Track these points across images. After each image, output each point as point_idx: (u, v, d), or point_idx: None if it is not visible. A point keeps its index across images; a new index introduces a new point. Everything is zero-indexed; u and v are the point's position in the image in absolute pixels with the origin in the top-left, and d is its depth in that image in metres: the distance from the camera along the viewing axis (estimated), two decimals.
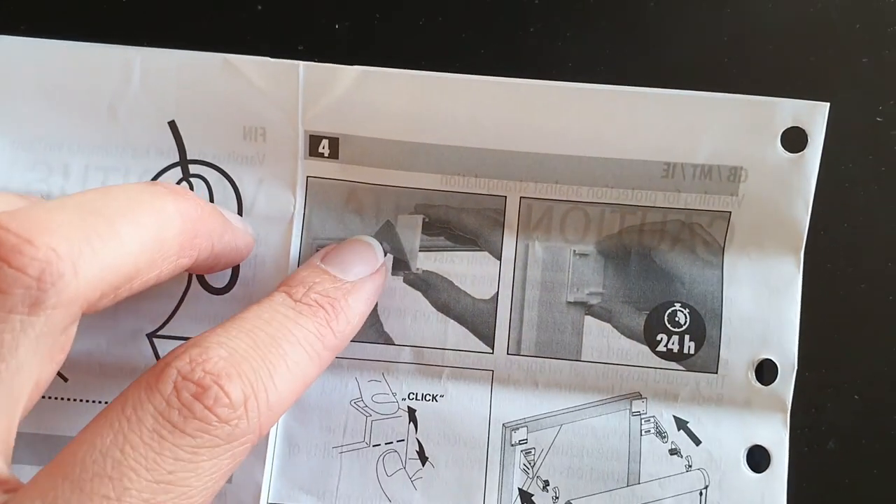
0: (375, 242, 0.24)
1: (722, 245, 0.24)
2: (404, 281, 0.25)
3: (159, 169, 0.24)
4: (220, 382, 0.17)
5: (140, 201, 0.18)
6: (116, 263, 0.17)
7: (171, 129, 0.25)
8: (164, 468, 0.16)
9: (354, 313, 0.22)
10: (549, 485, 0.24)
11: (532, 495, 0.24)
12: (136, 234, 0.18)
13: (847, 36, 0.25)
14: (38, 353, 0.16)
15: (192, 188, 0.24)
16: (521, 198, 0.24)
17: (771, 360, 0.24)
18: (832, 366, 0.25)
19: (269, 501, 0.24)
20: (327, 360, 0.21)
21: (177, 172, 0.25)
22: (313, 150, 0.25)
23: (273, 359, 0.19)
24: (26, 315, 0.16)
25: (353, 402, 0.24)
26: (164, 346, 0.24)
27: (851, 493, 0.25)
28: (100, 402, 0.24)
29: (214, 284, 0.24)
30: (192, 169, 0.25)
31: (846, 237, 0.25)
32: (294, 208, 0.25)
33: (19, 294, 0.16)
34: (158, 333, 0.24)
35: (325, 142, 0.25)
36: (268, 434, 0.24)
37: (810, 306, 0.24)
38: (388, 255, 0.24)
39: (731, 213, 0.24)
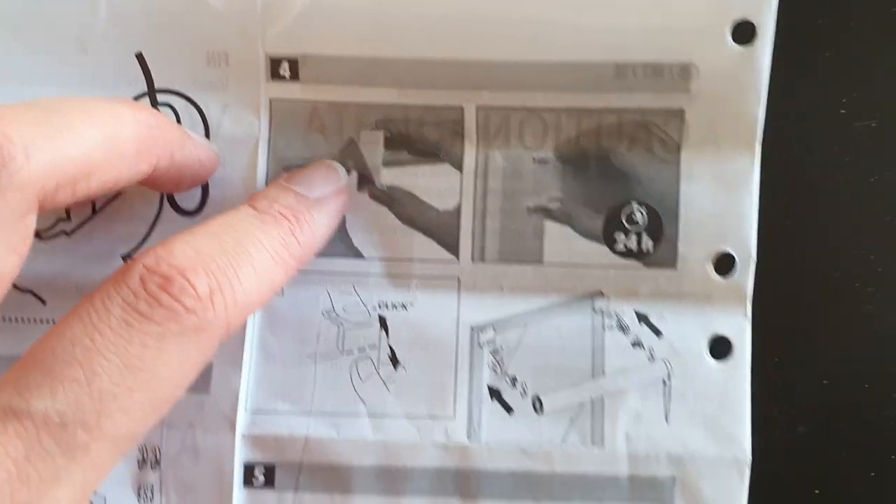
0: (337, 165, 0.25)
1: (678, 143, 0.25)
2: (370, 196, 0.25)
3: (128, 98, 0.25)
4: (185, 275, 0.18)
5: (96, 104, 0.19)
6: (70, 153, 0.18)
7: (138, 61, 0.25)
8: (132, 354, 0.17)
9: (318, 226, 0.23)
10: (517, 381, 0.25)
11: (501, 392, 0.25)
12: (91, 128, 0.19)
13: (812, 29, 0.25)
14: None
15: None
16: (477, 107, 0.25)
17: (729, 252, 0.25)
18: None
19: (248, 409, 0.25)
20: (293, 269, 0.22)
21: (145, 102, 0.25)
22: (274, 73, 0.25)
23: (239, 259, 0.20)
24: None
25: (325, 313, 0.25)
26: None
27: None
28: None
29: (185, 207, 0.25)
30: (160, 98, 0.25)
31: (812, 225, 0.25)
32: (259, 131, 0.25)
33: None
34: (133, 255, 0.25)
35: (285, 64, 0.25)
36: (244, 345, 0.25)
37: (763, 297, 0.25)
38: (351, 173, 0.25)
39: (684, 110, 0.24)
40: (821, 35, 0.25)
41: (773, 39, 0.24)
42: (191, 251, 0.19)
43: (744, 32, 0.24)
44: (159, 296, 0.18)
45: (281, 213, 0.22)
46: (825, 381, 0.26)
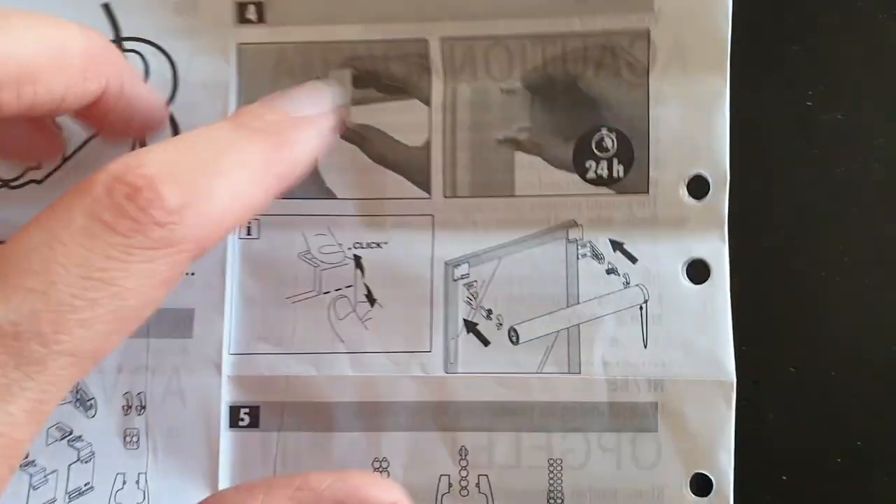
0: (330, 85, 0.23)
1: (646, 65, 0.24)
2: (340, 136, 0.25)
3: None
4: (155, 186, 0.17)
5: (42, 16, 0.19)
6: (10, 51, 0.18)
7: (104, 10, 0.26)
8: (94, 265, 0.16)
9: (303, 146, 0.21)
10: (492, 313, 0.25)
11: (476, 324, 0.25)
12: (35, 31, 0.18)
13: (778, 24, 0.26)
14: None
15: None
16: (441, 38, 0.25)
17: (702, 174, 0.24)
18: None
19: (231, 352, 0.25)
20: (274, 189, 0.20)
21: None
22: (241, 17, 0.25)
23: (214, 173, 0.18)
24: None
25: (301, 255, 0.25)
26: None
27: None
28: None
29: None
30: (127, 45, 0.26)
31: (778, 220, 0.26)
32: (228, 76, 0.25)
33: None
34: None
35: (251, 7, 0.25)
36: (224, 289, 0.25)
37: (742, 294, 0.25)
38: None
39: (650, 30, 0.24)
40: (787, 30, 0.26)
41: None
42: (163, 160, 0.17)
43: None
44: (125, 206, 0.16)
45: (262, 129, 0.20)
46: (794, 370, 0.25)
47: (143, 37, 0.26)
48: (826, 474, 0.25)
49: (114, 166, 0.17)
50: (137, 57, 0.26)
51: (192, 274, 0.25)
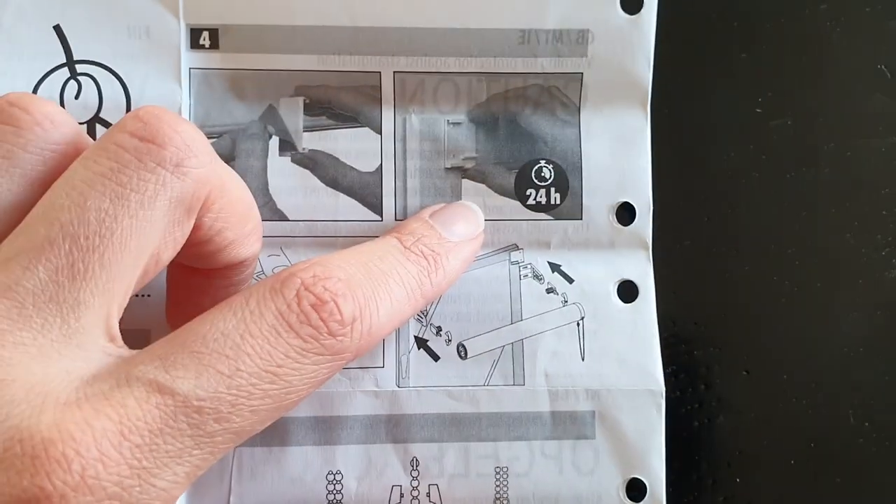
0: (478, 209, 0.26)
1: (578, 105, 0.27)
2: (292, 161, 0.26)
3: (46, 70, 0.25)
4: (336, 300, 0.19)
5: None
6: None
7: (56, 32, 0.26)
8: (274, 361, 0.18)
9: (451, 270, 0.24)
10: (441, 330, 0.26)
11: (427, 341, 0.26)
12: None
13: (728, 32, 0.27)
14: (168, 217, 0.18)
15: (80, 87, 0.26)
16: (394, 72, 0.26)
17: (629, 202, 0.27)
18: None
19: None
20: (420, 307, 0.23)
21: (64, 73, 0.26)
22: (194, 43, 0.26)
23: (381, 291, 0.20)
24: (170, 173, 0.18)
25: (256, 277, 0.26)
26: None
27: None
28: None
29: None
30: (80, 69, 0.26)
31: (730, 227, 0.27)
32: (181, 99, 0.26)
33: (171, 151, 0.18)
34: None
35: (205, 33, 0.26)
36: None
37: (694, 297, 0.27)
38: (272, 138, 0.26)
39: (582, 73, 0.27)
40: (736, 38, 0.27)
41: (656, 9, 0.26)
42: (344, 275, 0.19)
43: (632, 2, 0.26)
44: (311, 314, 0.18)
45: (422, 253, 0.23)
46: (746, 371, 0.28)
47: (95, 60, 0.26)
48: (780, 477, 0.26)
49: (305, 275, 0.19)
50: (90, 80, 0.26)
51: (148, 295, 0.25)
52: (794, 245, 0.27)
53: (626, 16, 0.26)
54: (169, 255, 0.19)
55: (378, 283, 0.21)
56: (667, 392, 0.26)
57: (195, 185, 0.19)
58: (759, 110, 0.27)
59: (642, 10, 0.26)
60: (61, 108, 0.19)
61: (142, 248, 0.18)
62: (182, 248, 0.20)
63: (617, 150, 0.27)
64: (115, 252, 0.17)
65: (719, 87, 0.27)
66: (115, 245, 0.17)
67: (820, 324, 0.27)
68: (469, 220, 0.25)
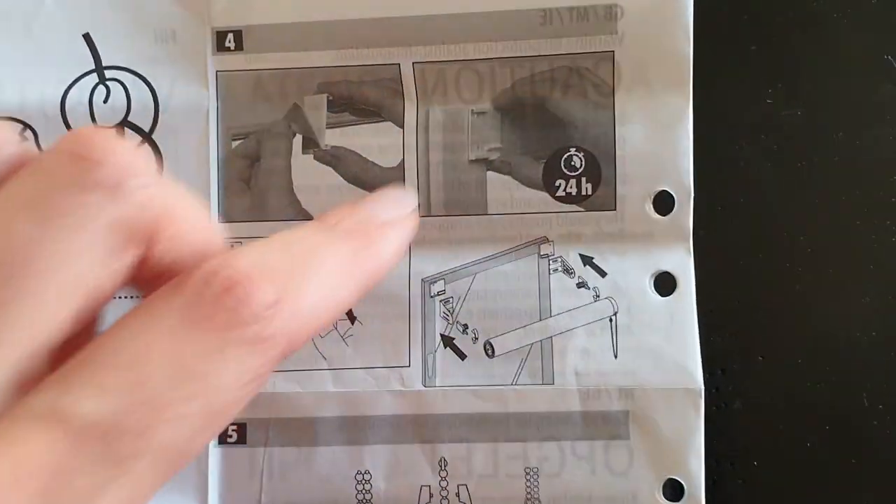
0: (412, 189, 0.26)
1: (611, 86, 0.25)
2: (314, 158, 0.26)
3: (75, 77, 0.26)
4: (249, 282, 0.16)
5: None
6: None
7: (85, 40, 0.26)
8: (184, 362, 0.15)
9: (388, 245, 0.21)
10: (468, 328, 0.26)
11: (453, 339, 0.26)
12: None
13: (738, 25, 0.27)
14: (103, 245, 0.16)
15: (108, 92, 0.26)
16: (413, 63, 0.26)
17: (667, 190, 0.25)
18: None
19: None
20: (361, 288, 0.20)
21: (93, 78, 0.26)
22: (220, 45, 0.26)
23: (306, 272, 0.18)
24: (107, 195, 0.16)
25: None
26: None
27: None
28: None
29: None
30: (109, 74, 0.26)
31: (743, 216, 0.26)
32: (208, 102, 0.26)
33: (108, 171, 0.16)
34: None
35: (230, 35, 0.26)
36: None
37: (708, 286, 0.26)
38: (296, 136, 0.26)
39: (613, 52, 0.25)
40: (746, 31, 0.27)
41: None
42: (256, 259, 0.17)
43: None
44: (219, 301, 0.16)
45: (350, 229, 0.20)
46: (761, 357, 0.26)
47: (123, 65, 0.26)
48: (796, 460, 0.26)
49: (208, 264, 0.16)
50: (118, 85, 0.26)
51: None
52: (807, 233, 0.27)
53: None
54: (108, 290, 0.17)
55: (302, 264, 0.18)
56: None
57: (137, 210, 0.16)
58: (769, 101, 0.27)
59: None
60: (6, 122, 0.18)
61: (70, 280, 0.16)
62: (129, 282, 0.17)
63: (654, 134, 0.25)
64: (35, 283, 0.15)
65: (730, 80, 0.26)
66: (36, 275, 0.15)
67: (833, 310, 0.26)
68: (399, 198, 0.22)
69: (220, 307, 0.16)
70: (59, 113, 0.26)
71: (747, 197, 0.27)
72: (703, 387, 0.25)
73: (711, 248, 0.26)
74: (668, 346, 0.25)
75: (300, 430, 0.26)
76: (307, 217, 0.26)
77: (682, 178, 0.25)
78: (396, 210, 0.22)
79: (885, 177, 0.26)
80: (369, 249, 0.20)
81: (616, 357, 0.25)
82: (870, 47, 0.27)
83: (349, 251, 0.20)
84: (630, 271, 0.25)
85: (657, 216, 0.25)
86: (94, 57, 0.26)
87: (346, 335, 0.26)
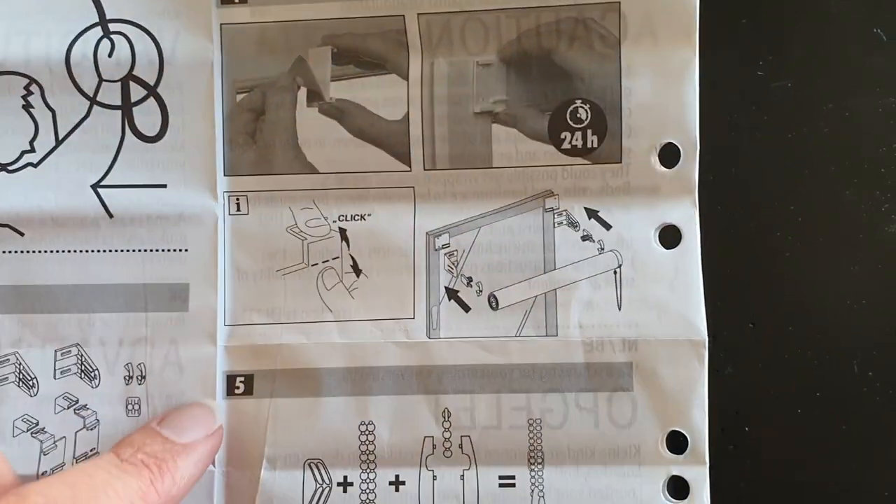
0: (214, 405, 0.26)
1: (617, 37, 0.25)
2: (319, 111, 0.26)
3: (80, 29, 0.26)
4: None
5: None
6: None
7: None
8: None
9: (182, 475, 0.23)
10: (472, 280, 0.26)
11: (458, 291, 0.26)
12: None
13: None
14: None
15: (113, 45, 0.26)
16: (418, 14, 0.25)
17: (673, 143, 0.25)
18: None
19: (225, 324, 0.26)
20: None
21: (97, 32, 0.26)
22: None
23: None
24: None
25: (288, 229, 0.26)
26: (109, 196, 0.26)
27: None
28: (54, 252, 0.27)
29: (147, 133, 0.26)
30: (113, 27, 0.26)
31: (735, 182, 0.27)
32: (212, 55, 0.26)
33: None
34: (101, 184, 0.26)
35: None
36: (217, 264, 0.26)
37: (708, 256, 0.25)
38: (300, 89, 0.26)
39: (620, 3, 0.25)
40: (738, 4, 0.27)
41: None
42: (42, 501, 0.19)
43: None
44: None
45: (143, 462, 0.22)
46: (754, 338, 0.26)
47: (128, 19, 0.26)
48: (788, 426, 0.26)
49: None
50: (122, 38, 0.26)
51: (186, 250, 0.26)
52: (797, 202, 0.27)
53: None
54: None
55: (86, 499, 0.20)
56: None
57: None
58: (760, 73, 0.27)
59: None
60: None
61: None
62: None
63: (661, 87, 0.25)
64: None
65: (722, 51, 0.27)
66: None
67: (823, 278, 0.27)
68: (201, 418, 0.24)
69: None
70: (64, 68, 0.26)
71: (738, 166, 0.27)
72: (706, 338, 0.25)
73: (702, 215, 0.26)
74: (672, 299, 0.25)
75: (306, 381, 0.26)
76: (313, 171, 0.26)
77: (688, 130, 0.25)
78: (196, 431, 0.24)
79: (873, 147, 0.27)
80: (160, 481, 0.22)
81: (620, 309, 0.25)
82: (859, 20, 0.27)
83: (138, 486, 0.21)
84: (635, 224, 0.25)
85: (663, 169, 0.25)
86: (97, 10, 0.26)
87: (352, 288, 0.26)
